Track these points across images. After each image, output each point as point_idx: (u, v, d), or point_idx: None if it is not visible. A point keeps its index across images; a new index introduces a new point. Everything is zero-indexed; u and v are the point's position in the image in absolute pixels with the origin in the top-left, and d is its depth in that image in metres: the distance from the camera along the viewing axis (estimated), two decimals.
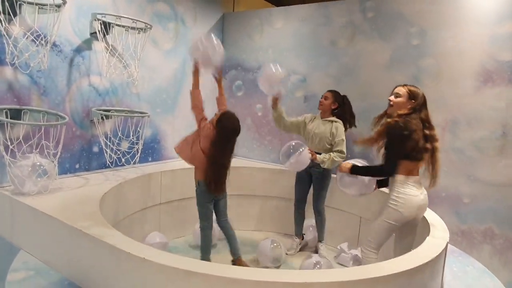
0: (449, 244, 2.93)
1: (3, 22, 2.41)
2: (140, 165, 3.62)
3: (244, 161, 4.50)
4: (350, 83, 3.85)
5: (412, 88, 2.37)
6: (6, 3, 2.42)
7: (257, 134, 4.57)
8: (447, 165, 3.36)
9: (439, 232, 2.29)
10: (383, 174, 2.35)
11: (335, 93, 3.36)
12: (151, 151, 3.91)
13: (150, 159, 3.91)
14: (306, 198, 3.52)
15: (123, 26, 3.17)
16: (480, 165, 3.23)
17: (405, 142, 2.16)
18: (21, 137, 2.57)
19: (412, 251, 2.04)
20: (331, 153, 3.18)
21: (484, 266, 2.57)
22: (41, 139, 2.62)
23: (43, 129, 2.65)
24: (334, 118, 3.31)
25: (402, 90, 2.36)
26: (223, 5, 4.70)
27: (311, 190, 3.49)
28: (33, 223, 2.35)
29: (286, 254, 3.44)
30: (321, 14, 4.03)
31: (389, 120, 2.29)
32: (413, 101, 2.31)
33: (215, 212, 2.97)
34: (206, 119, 2.85)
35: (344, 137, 3.23)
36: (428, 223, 2.45)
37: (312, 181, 3.43)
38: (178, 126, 4.19)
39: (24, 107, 2.72)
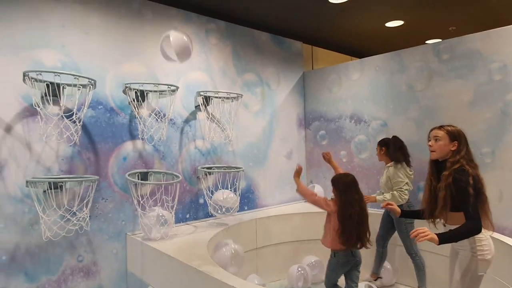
0: None
1: (136, 108, 3.24)
2: (238, 213, 4.10)
3: None
4: (432, 124, 3.79)
5: (450, 128, 2.24)
6: (138, 94, 3.26)
7: None
8: None
9: None
10: (476, 231, 2.06)
11: (380, 142, 3.72)
12: (247, 200, 4.40)
13: (246, 207, 4.39)
14: (385, 237, 3.65)
15: (220, 98, 3.87)
16: None
17: (473, 188, 2.07)
18: (148, 194, 3.28)
19: None
20: (391, 192, 3.45)
21: None
22: (162, 194, 3.29)
23: (163, 186, 3.32)
24: (389, 164, 3.60)
25: (439, 132, 2.25)
26: (302, 65, 5.24)
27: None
28: (158, 262, 2.92)
29: None
30: (395, 62, 4.24)
31: (449, 172, 2.14)
32: (456, 141, 2.19)
33: (346, 278, 2.91)
34: (325, 198, 2.94)
35: (400, 176, 3.45)
36: None
37: None
38: (269, 176, 4.65)
39: (149, 170, 3.48)
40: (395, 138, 3.66)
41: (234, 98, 3.91)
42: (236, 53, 4.38)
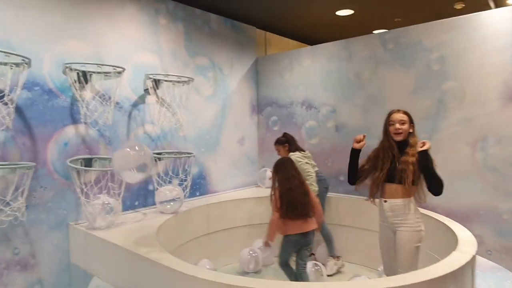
0: (491, 262, 2.96)
1: (78, 90, 3.04)
2: (189, 199, 4.04)
3: None
4: (377, 110, 4.05)
5: (408, 112, 2.44)
6: (80, 75, 3.05)
7: None
8: (482, 183, 3.40)
9: (466, 247, 2.38)
10: (439, 190, 2.34)
11: (280, 141, 3.99)
12: (198, 186, 4.36)
13: (197, 193, 4.35)
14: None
15: (170, 81, 3.74)
16: None
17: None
18: (92, 181, 3.12)
19: (437, 263, 2.16)
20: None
21: None
22: (108, 181, 3.14)
23: (109, 173, 3.17)
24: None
25: (405, 117, 2.41)
26: (256, 50, 5.22)
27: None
28: (103, 252, 2.81)
29: (328, 276, 3.63)
30: (344, 50, 4.36)
31: (414, 149, 2.35)
32: (412, 124, 2.41)
33: (297, 256, 3.06)
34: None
35: (302, 163, 3.69)
36: (457, 238, 2.54)
37: None
38: (221, 162, 4.63)
39: (94, 156, 3.30)
40: (289, 135, 4.03)
41: (185, 82, 3.80)
42: (188, 36, 4.24)
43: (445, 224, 2.89)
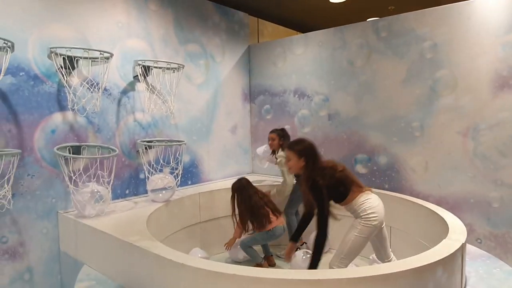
0: (481, 250, 3.00)
1: (64, 76, 2.96)
2: (180, 188, 4.01)
3: (274, 178, 4.75)
4: (370, 99, 4.04)
5: (297, 148, 2.48)
6: (67, 60, 2.97)
7: None
8: (473, 171, 3.42)
9: (456, 235, 2.39)
10: (323, 241, 2.39)
11: (277, 132, 3.96)
12: (190, 175, 4.32)
13: (189, 182, 4.31)
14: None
15: (160, 68, 3.67)
16: (505, 168, 3.26)
17: (324, 189, 2.36)
18: (81, 169, 3.06)
19: (426, 251, 2.17)
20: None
21: None
22: (97, 169, 3.09)
23: (98, 161, 3.12)
24: (281, 154, 3.83)
25: (290, 154, 2.49)
26: (248, 38, 5.14)
27: None
28: (93, 240, 2.77)
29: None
30: (337, 38, 4.31)
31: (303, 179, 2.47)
32: (303, 158, 2.43)
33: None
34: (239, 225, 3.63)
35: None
36: (448, 226, 2.56)
37: None
38: (213, 151, 4.60)
39: (82, 143, 3.24)
40: (287, 133, 4.01)
41: (175, 68, 3.73)
42: (178, 22, 4.15)
43: (436, 212, 2.90)
